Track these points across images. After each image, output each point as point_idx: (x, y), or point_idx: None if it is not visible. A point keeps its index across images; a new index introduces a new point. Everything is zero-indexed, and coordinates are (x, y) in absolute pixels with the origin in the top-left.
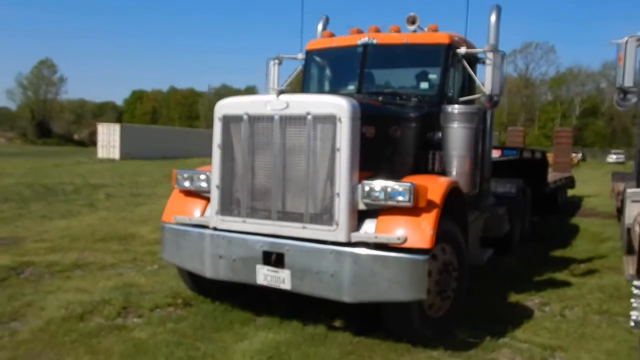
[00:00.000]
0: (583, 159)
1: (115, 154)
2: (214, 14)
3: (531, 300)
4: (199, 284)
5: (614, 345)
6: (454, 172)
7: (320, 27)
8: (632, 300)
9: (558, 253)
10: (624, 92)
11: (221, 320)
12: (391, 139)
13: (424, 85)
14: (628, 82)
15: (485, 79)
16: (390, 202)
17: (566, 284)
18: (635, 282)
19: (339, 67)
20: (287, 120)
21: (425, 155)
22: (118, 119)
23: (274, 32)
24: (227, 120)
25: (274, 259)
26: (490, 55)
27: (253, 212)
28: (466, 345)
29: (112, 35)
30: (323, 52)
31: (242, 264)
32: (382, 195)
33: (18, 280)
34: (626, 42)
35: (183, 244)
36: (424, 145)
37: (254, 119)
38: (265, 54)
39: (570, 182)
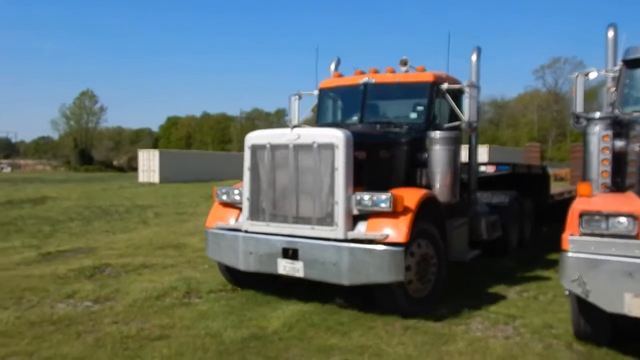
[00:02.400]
0: None
1: (155, 178)
2: (241, 36)
3: (513, 289)
4: (233, 276)
5: (567, 315)
6: (437, 185)
7: (332, 66)
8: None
9: (552, 256)
10: (577, 116)
11: (260, 299)
12: (382, 160)
13: (413, 115)
14: (579, 109)
15: (464, 109)
16: (375, 208)
17: (548, 278)
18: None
19: (346, 102)
20: (299, 148)
21: (414, 172)
22: (154, 145)
23: (300, 52)
24: (255, 149)
25: (290, 253)
26: (467, 89)
27: (274, 218)
28: (447, 315)
29: (147, 64)
30: (333, 90)
31: (267, 258)
32: (369, 203)
33: (102, 275)
34: (576, 77)
35: (222, 244)
36: (413, 164)
37: (274, 147)
38: (294, 74)
39: None
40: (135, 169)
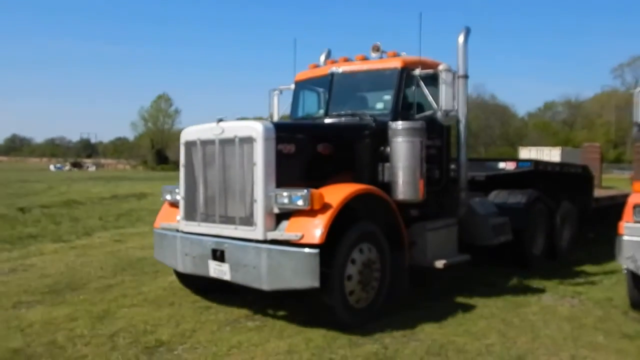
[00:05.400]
0: None
1: None
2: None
3: (580, 275)
4: (183, 279)
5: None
6: (400, 182)
7: (322, 58)
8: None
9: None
10: (639, 125)
11: None
12: (323, 155)
13: (380, 105)
14: None
15: (440, 96)
16: (292, 206)
17: (613, 265)
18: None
19: (316, 94)
20: (224, 143)
21: (375, 168)
22: None
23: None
24: (188, 145)
25: (218, 255)
26: (442, 74)
27: (205, 217)
28: (522, 291)
29: (215, 69)
30: (306, 82)
31: (200, 260)
32: (286, 201)
33: None
34: (638, 91)
35: (164, 244)
36: (375, 159)
37: (204, 143)
38: None
39: None
40: None
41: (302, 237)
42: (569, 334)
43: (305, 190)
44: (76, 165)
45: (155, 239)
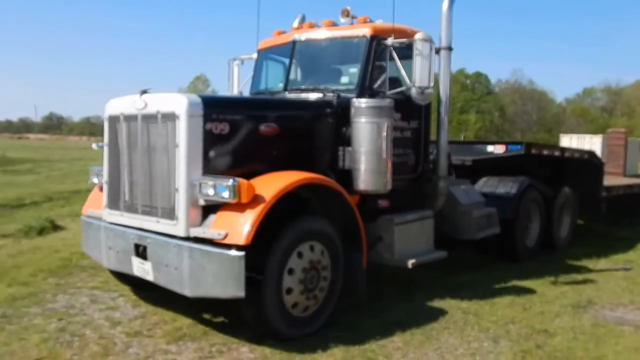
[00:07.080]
0: None
1: None
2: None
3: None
4: (116, 274)
5: None
6: (362, 169)
7: (296, 24)
8: None
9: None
10: None
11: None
12: (269, 136)
13: (345, 79)
14: None
15: (413, 69)
16: (217, 198)
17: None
18: None
19: (282, 65)
20: (147, 119)
21: (335, 152)
22: None
23: None
24: (112, 120)
25: (141, 251)
26: (418, 44)
27: (129, 206)
28: (574, 260)
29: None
30: (269, 51)
31: (123, 255)
32: (211, 192)
33: None
34: None
35: (89, 235)
36: (335, 142)
37: (128, 118)
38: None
39: None
40: None
41: (225, 235)
42: (626, 287)
43: (231, 180)
44: None
45: (82, 228)
